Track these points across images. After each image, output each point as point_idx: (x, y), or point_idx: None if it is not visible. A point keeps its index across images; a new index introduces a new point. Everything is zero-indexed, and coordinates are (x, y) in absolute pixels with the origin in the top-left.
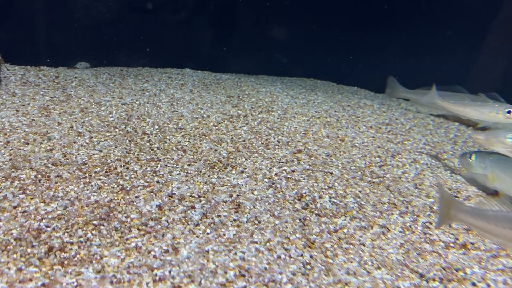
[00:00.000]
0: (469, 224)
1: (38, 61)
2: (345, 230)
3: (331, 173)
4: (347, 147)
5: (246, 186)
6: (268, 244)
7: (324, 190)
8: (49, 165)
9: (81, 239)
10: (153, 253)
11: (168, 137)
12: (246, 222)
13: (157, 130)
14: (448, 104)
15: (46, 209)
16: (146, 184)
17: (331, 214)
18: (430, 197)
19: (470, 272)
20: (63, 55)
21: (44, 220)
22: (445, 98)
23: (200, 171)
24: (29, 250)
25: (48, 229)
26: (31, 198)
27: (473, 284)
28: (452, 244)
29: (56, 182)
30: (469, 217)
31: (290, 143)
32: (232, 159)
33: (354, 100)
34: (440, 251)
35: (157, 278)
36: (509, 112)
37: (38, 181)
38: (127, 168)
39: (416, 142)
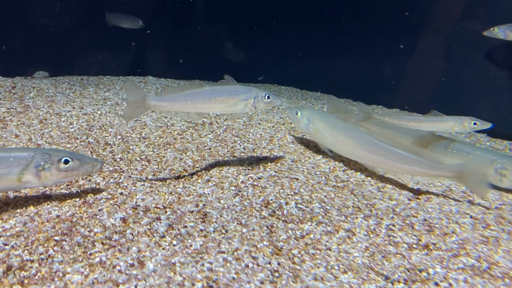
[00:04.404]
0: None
1: None
2: (311, 236)
3: (297, 179)
4: (312, 152)
5: (212, 195)
6: (235, 253)
7: (290, 196)
8: None
9: (42, 256)
10: (118, 267)
11: (131, 147)
12: (213, 231)
13: (120, 140)
14: (392, 119)
15: (3, 226)
16: (109, 196)
17: (297, 220)
18: (393, 200)
19: (433, 272)
20: (20, 64)
21: (1, 238)
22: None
23: (165, 181)
24: None
25: (6, 247)
26: None
27: (436, 283)
28: (415, 246)
29: (15, 198)
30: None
31: (256, 150)
32: (198, 167)
33: (318, 105)
34: (403, 252)
35: None
36: (475, 124)
37: None
38: (90, 180)
39: None
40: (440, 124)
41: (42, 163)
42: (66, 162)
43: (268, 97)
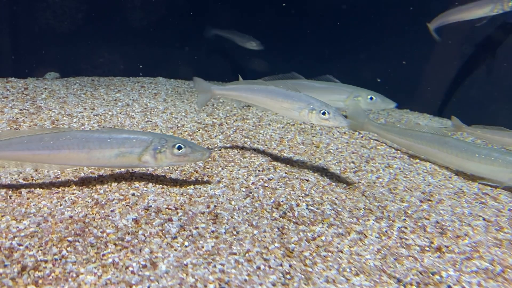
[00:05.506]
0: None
1: (5, 72)
2: (323, 238)
3: (307, 180)
4: (322, 153)
5: (223, 196)
6: (247, 255)
7: (301, 198)
8: (20, 180)
9: (56, 256)
10: (130, 268)
11: None
12: (225, 233)
13: None
14: (485, 133)
15: (18, 227)
16: (122, 197)
17: (308, 222)
18: (404, 202)
19: (446, 275)
20: (32, 65)
21: (16, 238)
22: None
23: (176, 182)
24: (1, 270)
25: (21, 247)
26: (2, 216)
27: (449, 287)
28: (427, 248)
29: (28, 198)
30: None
31: (266, 151)
32: (209, 168)
33: None
34: (416, 255)
35: None
36: None
37: (8, 197)
38: (101, 181)
39: (388, 147)
40: None
41: (159, 147)
42: (179, 148)
43: (324, 113)
